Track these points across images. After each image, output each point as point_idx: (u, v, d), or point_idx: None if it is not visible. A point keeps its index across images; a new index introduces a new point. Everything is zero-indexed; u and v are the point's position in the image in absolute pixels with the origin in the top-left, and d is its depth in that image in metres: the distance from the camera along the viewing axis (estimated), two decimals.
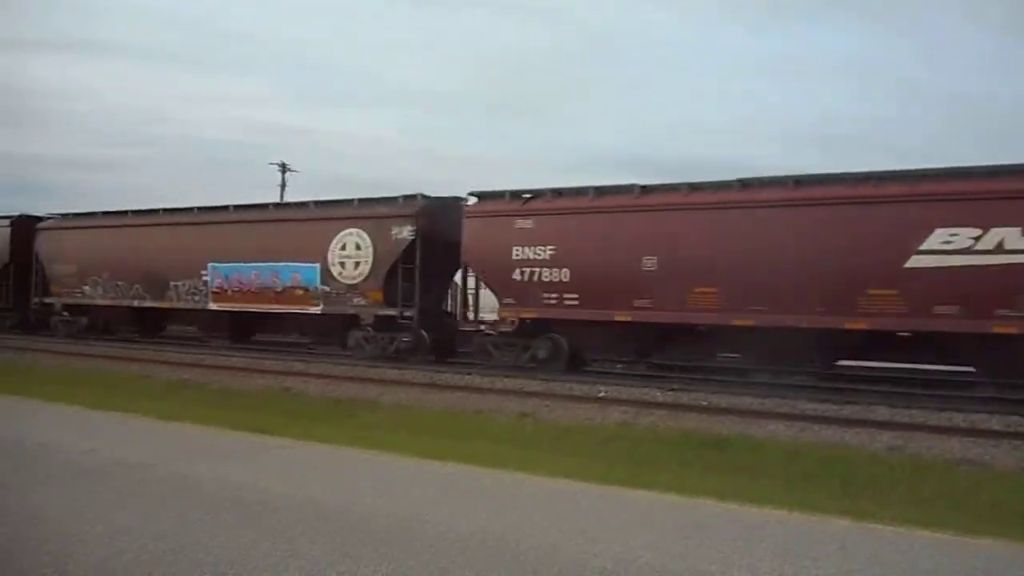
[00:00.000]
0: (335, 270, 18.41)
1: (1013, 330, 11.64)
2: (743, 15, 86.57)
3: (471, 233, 16.70)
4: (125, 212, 23.31)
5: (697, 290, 14.00)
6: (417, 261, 17.36)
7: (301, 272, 18.94)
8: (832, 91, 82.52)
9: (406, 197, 18.02)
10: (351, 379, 15.28)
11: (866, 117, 76.17)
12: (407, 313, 17.66)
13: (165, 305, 21.63)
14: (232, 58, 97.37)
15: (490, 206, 16.75)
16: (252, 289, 19.82)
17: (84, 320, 23.66)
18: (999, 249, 11.78)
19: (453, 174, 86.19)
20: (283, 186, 42.92)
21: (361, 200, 18.74)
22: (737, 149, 78.05)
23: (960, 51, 76.60)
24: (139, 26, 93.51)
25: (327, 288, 18.51)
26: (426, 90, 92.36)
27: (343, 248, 18.34)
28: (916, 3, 77.12)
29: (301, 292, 18.99)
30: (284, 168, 43.21)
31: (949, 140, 67.99)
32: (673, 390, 13.52)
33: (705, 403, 12.50)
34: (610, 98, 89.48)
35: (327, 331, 19.53)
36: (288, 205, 21.90)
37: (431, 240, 17.53)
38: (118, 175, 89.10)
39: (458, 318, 18.57)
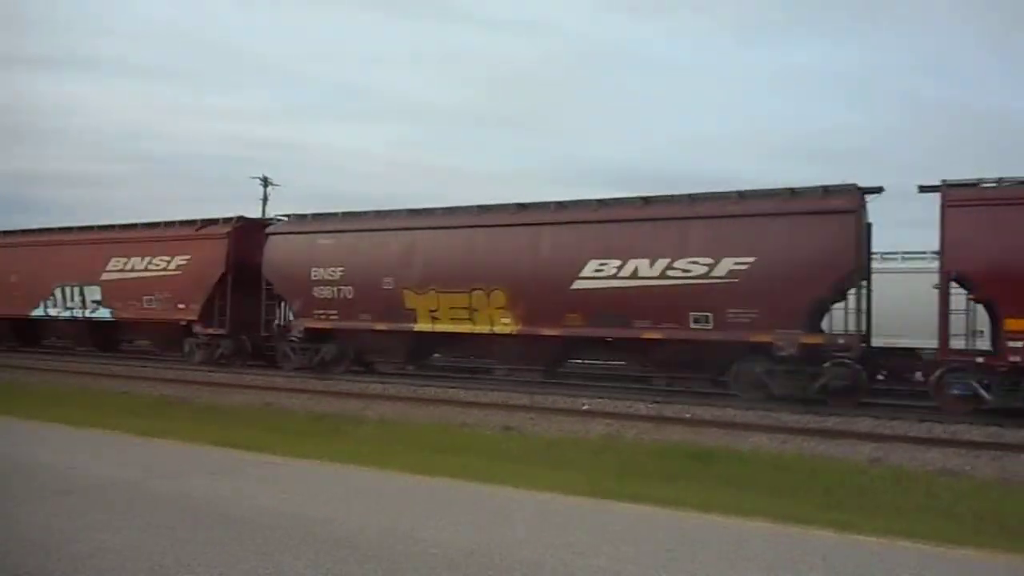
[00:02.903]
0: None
1: None
2: (733, 28, 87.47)
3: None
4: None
5: None
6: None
7: None
8: (830, 103, 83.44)
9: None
10: (335, 394, 15.23)
11: (866, 129, 77.09)
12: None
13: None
14: (225, 73, 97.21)
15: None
16: None
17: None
18: None
19: (447, 187, 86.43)
20: (265, 200, 42.80)
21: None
22: (733, 162, 78.68)
23: (957, 63, 77.76)
24: (129, 43, 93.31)
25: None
26: (418, 104, 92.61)
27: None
28: (912, 13, 78.14)
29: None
30: (266, 182, 43.15)
31: (949, 153, 68.80)
32: (656, 402, 13.59)
33: (688, 415, 12.57)
34: (605, 112, 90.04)
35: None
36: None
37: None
38: (107, 190, 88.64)
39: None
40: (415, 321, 17.21)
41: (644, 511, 6.42)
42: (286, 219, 20.28)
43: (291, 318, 19.43)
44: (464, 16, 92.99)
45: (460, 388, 15.50)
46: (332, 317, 18.31)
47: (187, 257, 20.87)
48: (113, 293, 22.18)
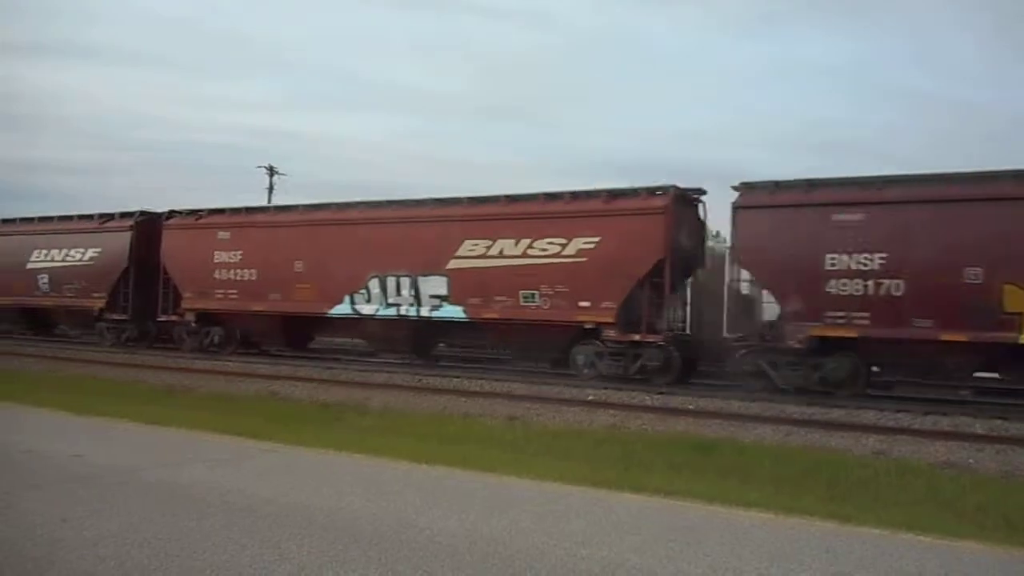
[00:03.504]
0: None
1: None
2: (732, 23, 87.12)
3: None
4: None
5: None
6: None
7: None
8: (828, 97, 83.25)
9: None
10: (339, 383, 15.26)
11: (862, 123, 76.88)
12: None
13: None
14: (225, 62, 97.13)
15: None
16: None
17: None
18: None
19: (448, 178, 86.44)
20: (271, 189, 42.79)
21: None
22: (732, 153, 78.53)
23: (953, 58, 77.42)
24: (132, 30, 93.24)
25: None
26: (420, 94, 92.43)
27: None
28: (908, 10, 77.86)
29: None
30: (272, 171, 43.19)
31: (944, 147, 68.64)
32: (661, 393, 13.59)
33: (692, 407, 12.57)
34: (605, 103, 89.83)
35: None
36: None
37: None
38: (107, 178, 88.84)
39: None
40: (1020, 330, 12.37)
41: (647, 502, 6.43)
42: (743, 186, 14.67)
43: (774, 320, 14.31)
44: (465, 7, 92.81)
45: (464, 378, 15.51)
46: (859, 321, 13.31)
47: (595, 239, 15.42)
48: (467, 286, 16.70)
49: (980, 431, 10.70)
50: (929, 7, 79.47)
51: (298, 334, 20.51)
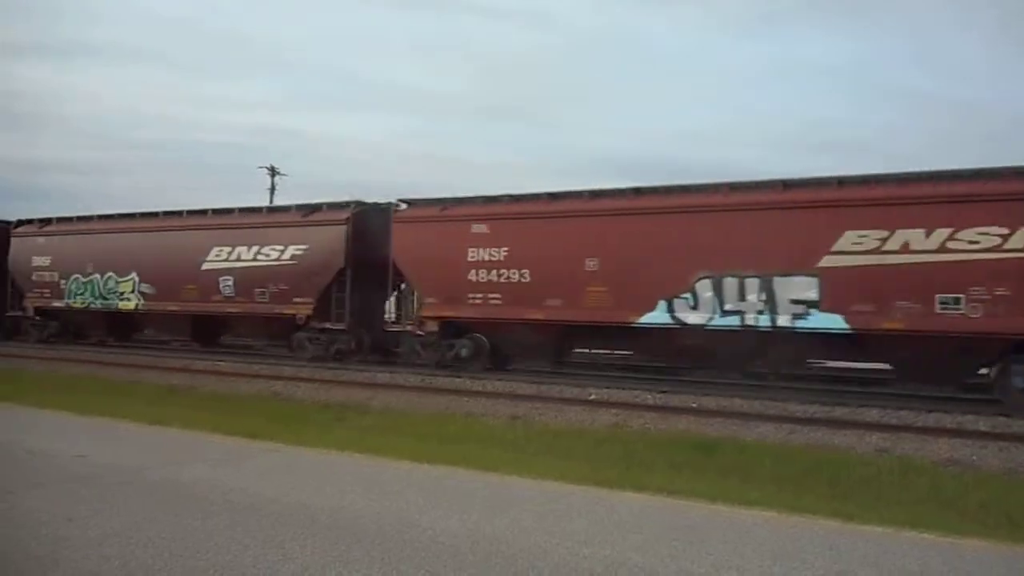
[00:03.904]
0: None
1: None
2: (732, 23, 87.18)
3: None
4: None
5: None
6: None
7: None
8: (828, 97, 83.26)
9: None
10: (341, 383, 15.25)
11: (862, 123, 76.88)
12: None
13: None
14: (225, 62, 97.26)
15: None
16: None
17: None
18: None
19: (449, 178, 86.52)
20: (272, 189, 42.77)
21: None
22: (732, 153, 78.52)
23: (953, 58, 77.41)
24: (132, 30, 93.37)
25: None
26: (420, 94, 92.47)
27: None
28: (908, 10, 77.92)
29: None
30: (273, 171, 43.19)
31: (944, 147, 68.62)
32: (663, 392, 13.57)
33: (695, 405, 12.56)
34: (605, 103, 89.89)
35: None
36: None
37: None
38: (108, 178, 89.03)
39: None
40: None
41: (649, 501, 6.43)
42: None
43: None
44: (465, 7, 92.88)
45: (467, 378, 15.50)
46: None
47: None
48: (850, 288, 13.18)
49: (983, 428, 10.68)
50: (929, 7, 79.44)
51: (562, 347, 16.89)
